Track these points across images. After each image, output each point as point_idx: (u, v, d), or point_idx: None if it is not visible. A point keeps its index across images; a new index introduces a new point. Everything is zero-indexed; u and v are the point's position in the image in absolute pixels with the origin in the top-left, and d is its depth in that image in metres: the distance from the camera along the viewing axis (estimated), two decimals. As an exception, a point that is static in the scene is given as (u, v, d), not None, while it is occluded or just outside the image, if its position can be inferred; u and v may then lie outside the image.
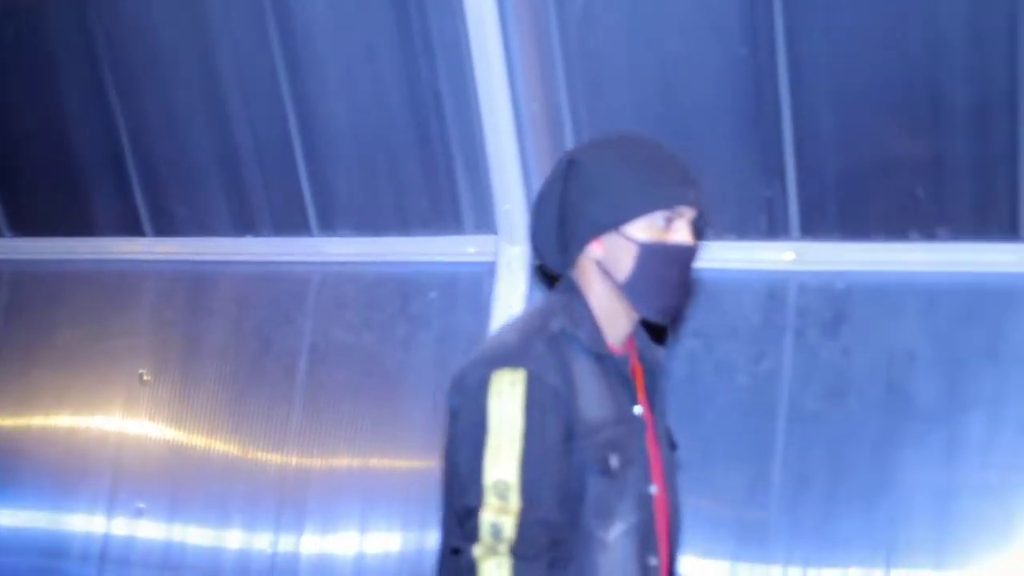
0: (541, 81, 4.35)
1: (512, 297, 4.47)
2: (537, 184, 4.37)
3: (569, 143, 4.35)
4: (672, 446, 2.83)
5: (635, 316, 2.67)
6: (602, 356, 2.61)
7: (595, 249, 2.61)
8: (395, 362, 4.66)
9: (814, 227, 4.14)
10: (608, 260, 2.60)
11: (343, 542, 4.59)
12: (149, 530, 4.87)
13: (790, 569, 3.95)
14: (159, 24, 4.83)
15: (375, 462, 4.64)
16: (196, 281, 5.08)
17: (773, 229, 4.17)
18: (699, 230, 2.68)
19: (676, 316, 2.81)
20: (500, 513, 2.42)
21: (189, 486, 4.86)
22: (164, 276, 5.14)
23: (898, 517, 3.95)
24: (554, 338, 2.55)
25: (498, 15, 4.23)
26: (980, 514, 3.90)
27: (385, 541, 4.55)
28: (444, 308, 4.63)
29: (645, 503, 2.64)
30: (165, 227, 5.13)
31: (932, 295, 4.06)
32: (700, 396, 4.19)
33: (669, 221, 2.58)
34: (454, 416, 2.58)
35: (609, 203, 2.57)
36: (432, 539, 4.42)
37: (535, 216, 2.72)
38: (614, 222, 2.58)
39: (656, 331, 2.89)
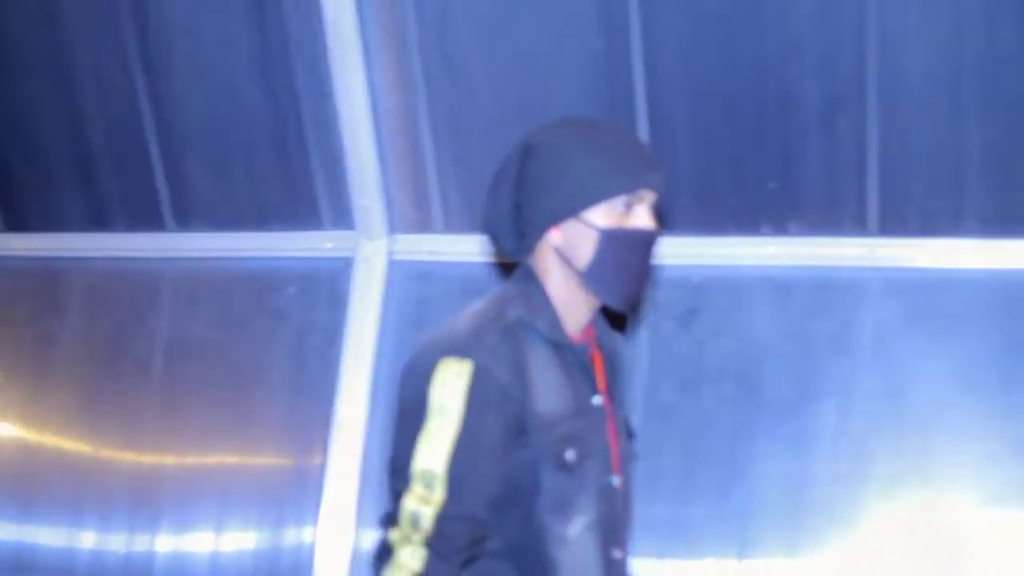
0: (398, 75, 4.30)
1: (370, 292, 4.42)
2: (394, 179, 4.38)
3: (426, 138, 4.34)
4: (629, 435, 2.78)
5: (595, 303, 2.60)
6: (561, 345, 2.54)
7: (554, 236, 2.54)
8: (252, 359, 4.58)
9: (669, 221, 4.14)
10: (567, 247, 2.53)
11: (198, 541, 4.49)
12: (0, 531, 4.74)
13: (644, 560, 3.94)
14: (11, 18, 4.70)
15: (232, 460, 4.55)
16: (48, 278, 4.94)
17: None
18: (659, 214, 2.63)
19: (637, 302, 2.74)
20: (422, 503, 2.38)
21: (41, 486, 4.72)
22: (15, 273, 5.00)
23: (751, 507, 3.97)
24: (510, 327, 2.48)
25: (355, 9, 4.18)
26: (830, 503, 3.93)
27: (241, 540, 4.46)
28: (302, 304, 4.57)
29: (607, 495, 2.59)
30: (16, 223, 4.99)
31: (784, 288, 4.10)
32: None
33: (629, 206, 2.50)
34: (399, 400, 2.50)
35: (568, 190, 2.49)
36: (288, 537, 4.40)
37: (490, 202, 2.63)
38: (573, 209, 2.50)
39: (614, 318, 2.83)
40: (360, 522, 4.27)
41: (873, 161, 3.95)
